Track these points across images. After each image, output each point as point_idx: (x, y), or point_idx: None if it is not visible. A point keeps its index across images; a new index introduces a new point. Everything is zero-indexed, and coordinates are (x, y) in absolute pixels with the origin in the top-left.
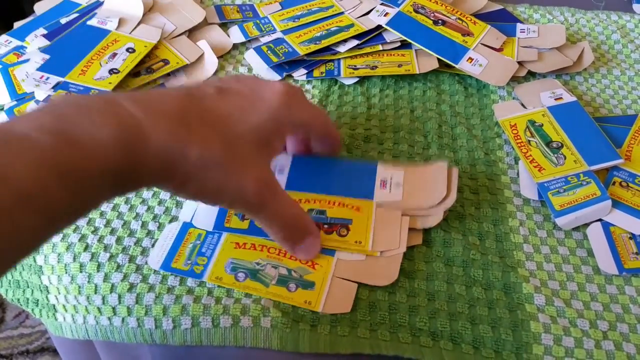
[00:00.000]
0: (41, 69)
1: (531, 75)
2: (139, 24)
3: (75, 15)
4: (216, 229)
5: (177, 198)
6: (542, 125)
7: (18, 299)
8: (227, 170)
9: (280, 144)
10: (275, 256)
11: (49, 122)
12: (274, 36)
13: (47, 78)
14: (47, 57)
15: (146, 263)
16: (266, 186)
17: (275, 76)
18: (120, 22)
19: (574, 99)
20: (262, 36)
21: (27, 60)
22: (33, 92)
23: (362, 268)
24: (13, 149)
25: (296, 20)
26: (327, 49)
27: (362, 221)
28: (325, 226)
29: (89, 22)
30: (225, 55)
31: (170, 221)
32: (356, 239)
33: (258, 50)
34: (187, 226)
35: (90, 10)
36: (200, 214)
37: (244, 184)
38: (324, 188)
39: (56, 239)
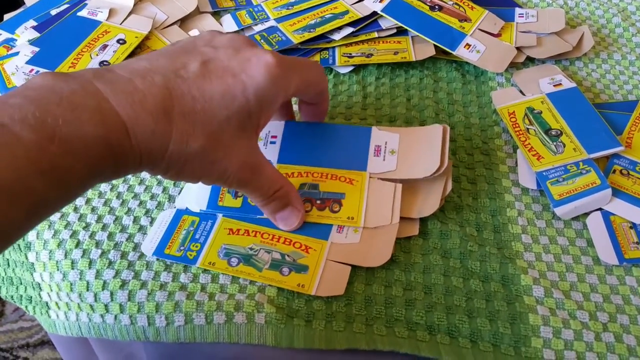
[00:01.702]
0: (30, 62)
1: (530, 61)
2: (129, 14)
3: (66, 6)
4: (210, 208)
5: (170, 192)
6: (541, 112)
7: (12, 296)
8: (209, 159)
9: (269, 117)
10: (269, 241)
11: (31, 115)
12: (267, 24)
13: (37, 72)
14: (36, 49)
15: (139, 258)
16: (250, 169)
17: None
18: (111, 12)
19: (574, 85)
20: (256, 24)
21: (17, 53)
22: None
23: (356, 251)
24: None
25: (290, 7)
26: (322, 37)
27: (354, 195)
28: (318, 202)
29: (79, 13)
30: None
31: None
32: (348, 215)
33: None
34: (180, 213)
35: (81, 1)
36: (192, 194)
37: (227, 169)
38: (317, 159)
39: (47, 235)
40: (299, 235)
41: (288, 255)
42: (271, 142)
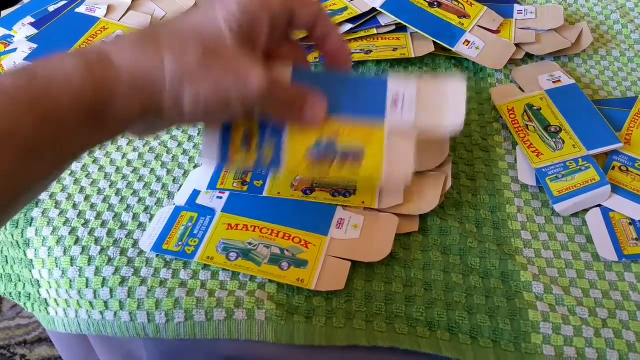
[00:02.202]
0: (28, 58)
1: (529, 57)
2: (128, 10)
3: (64, 2)
4: (210, 188)
5: (169, 188)
6: (540, 109)
7: (10, 293)
8: (218, 66)
9: (264, 34)
10: (268, 236)
11: (17, 70)
12: None
13: None
14: (34, 46)
15: (138, 254)
16: (265, 79)
17: None
18: (109, 9)
19: (573, 81)
20: None
21: (14, 50)
22: None
23: (355, 246)
24: None
25: None
26: None
27: (374, 153)
28: (336, 161)
29: (77, 10)
30: None
31: None
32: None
33: None
34: (179, 210)
35: None
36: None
37: (246, 74)
38: (331, 108)
39: (46, 232)
40: (298, 231)
41: (287, 250)
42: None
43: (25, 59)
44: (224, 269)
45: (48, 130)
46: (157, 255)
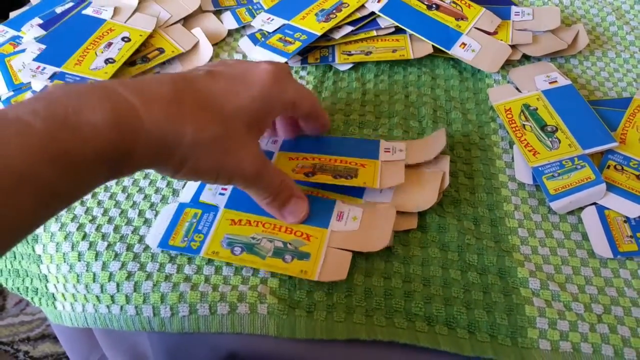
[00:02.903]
0: (37, 59)
1: (526, 58)
2: (134, 12)
3: (71, 4)
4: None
5: (174, 185)
6: (537, 109)
7: (18, 288)
8: (224, 147)
9: (269, 122)
10: (271, 230)
11: (42, 107)
12: (275, 25)
13: (44, 68)
14: (43, 47)
15: (144, 250)
16: (261, 163)
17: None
18: (115, 11)
19: (569, 82)
20: (255, 22)
21: (23, 50)
22: (30, 82)
23: (355, 237)
24: (6, 132)
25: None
26: (323, 35)
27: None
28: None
29: (84, 12)
30: (220, 43)
31: None
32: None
33: (267, 46)
34: (183, 206)
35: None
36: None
37: (242, 161)
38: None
39: (54, 228)
40: (299, 224)
41: (290, 244)
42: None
43: (35, 59)
44: (227, 264)
45: (70, 178)
46: (162, 251)
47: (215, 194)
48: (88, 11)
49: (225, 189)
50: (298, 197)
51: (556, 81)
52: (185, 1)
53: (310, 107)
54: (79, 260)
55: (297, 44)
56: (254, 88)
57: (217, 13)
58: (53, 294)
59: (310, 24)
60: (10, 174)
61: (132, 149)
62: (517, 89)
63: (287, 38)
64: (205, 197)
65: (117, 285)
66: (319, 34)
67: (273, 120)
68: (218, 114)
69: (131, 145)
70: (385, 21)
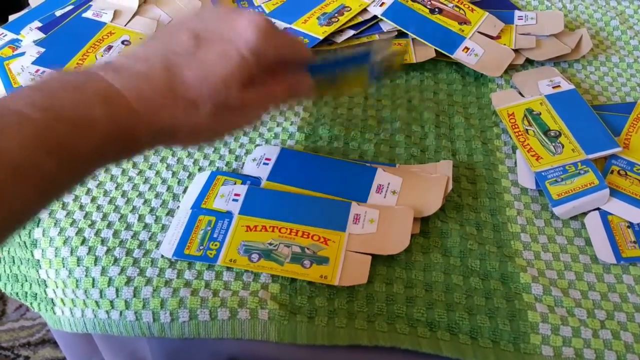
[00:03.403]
0: (36, 62)
1: (529, 63)
2: (134, 16)
3: (70, 7)
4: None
5: (174, 190)
6: (540, 113)
7: (17, 293)
8: (221, 119)
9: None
10: (287, 235)
11: (39, 99)
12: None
13: (43, 72)
14: (42, 50)
15: (143, 255)
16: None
17: None
18: (116, 14)
19: (572, 87)
20: None
21: (22, 54)
22: None
23: (374, 240)
24: (5, 123)
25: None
26: (325, 39)
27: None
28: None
29: (84, 15)
30: None
31: (167, 214)
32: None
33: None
34: (196, 213)
35: (84, 3)
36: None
37: (252, 112)
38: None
39: (53, 232)
40: (316, 228)
41: (308, 248)
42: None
43: (34, 62)
44: (227, 269)
45: (69, 168)
46: (162, 256)
47: (228, 201)
48: (88, 14)
49: (239, 195)
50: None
51: (559, 86)
52: (186, 4)
53: (304, 57)
54: (78, 265)
55: None
56: (244, 44)
57: None
58: (52, 299)
59: (312, 28)
60: (10, 166)
61: (129, 138)
62: (520, 93)
63: None
64: (218, 205)
65: (117, 290)
66: (321, 37)
67: None
68: (211, 88)
69: (128, 135)
70: (387, 25)
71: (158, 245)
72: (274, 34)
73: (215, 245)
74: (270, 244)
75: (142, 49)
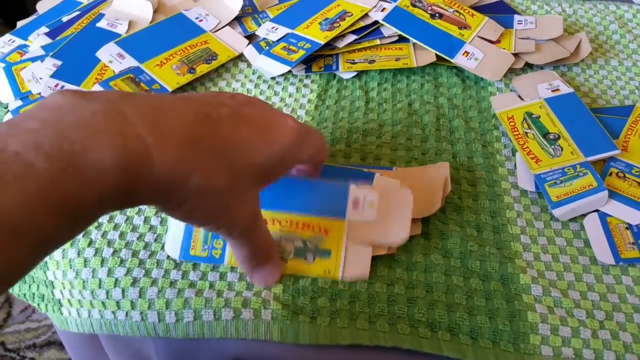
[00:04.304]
0: (55, 76)
1: (528, 66)
2: None
3: (77, 13)
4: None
5: None
6: (539, 117)
7: (24, 294)
8: (225, 201)
9: (279, 177)
10: (288, 228)
11: (48, 142)
12: (279, 34)
13: (62, 87)
14: (58, 63)
15: (149, 256)
16: (254, 219)
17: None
18: (130, 24)
19: (571, 90)
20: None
21: (30, 59)
22: (39, 92)
23: (374, 228)
24: (4, 175)
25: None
26: (327, 44)
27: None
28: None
29: (98, 24)
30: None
31: None
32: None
33: (271, 55)
34: None
35: (91, 8)
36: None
37: (237, 217)
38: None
39: None
40: (314, 217)
41: (309, 242)
42: None
43: (52, 76)
44: (232, 270)
45: (69, 224)
46: (168, 257)
47: None
48: (102, 24)
49: None
50: (275, 263)
51: (559, 89)
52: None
53: (320, 160)
54: (85, 267)
55: (301, 53)
56: (274, 146)
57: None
58: (59, 300)
59: (314, 33)
60: (4, 224)
61: (136, 190)
62: (519, 97)
63: (291, 47)
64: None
65: (123, 291)
66: (323, 42)
67: None
68: (230, 166)
69: (136, 187)
70: (388, 30)
71: (163, 246)
72: (303, 144)
73: (219, 243)
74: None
75: (174, 97)
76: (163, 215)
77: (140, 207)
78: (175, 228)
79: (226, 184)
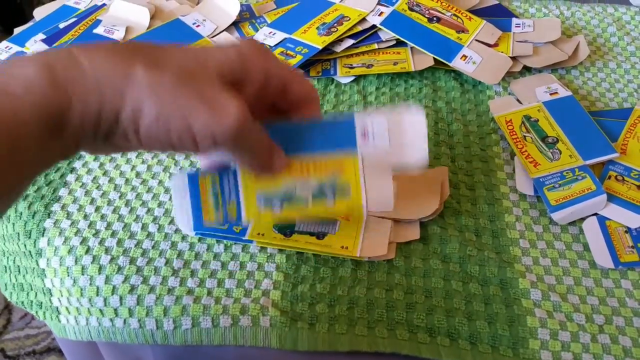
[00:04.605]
0: None
1: (527, 70)
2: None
3: (74, 19)
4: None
5: None
6: (538, 120)
7: (22, 302)
8: (194, 89)
9: (248, 91)
10: (299, 173)
11: None
12: (277, 39)
13: None
14: None
15: (147, 264)
16: (243, 116)
17: None
18: (127, 30)
19: (570, 93)
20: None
21: None
22: None
23: (389, 153)
24: None
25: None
26: (324, 49)
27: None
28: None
29: (95, 30)
30: None
31: (170, 222)
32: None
33: None
34: (193, 177)
35: (88, 15)
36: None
37: (220, 114)
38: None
39: (58, 242)
40: (325, 157)
41: (325, 183)
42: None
43: None
44: (230, 277)
45: (7, 143)
46: (166, 264)
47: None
48: (99, 30)
49: None
50: (278, 155)
51: (557, 92)
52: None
53: (306, 92)
54: (83, 274)
55: (299, 58)
56: (228, 49)
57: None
58: (57, 308)
59: (312, 38)
60: None
61: (70, 95)
62: (518, 100)
63: (289, 52)
64: (216, 158)
65: (120, 298)
66: (320, 47)
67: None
68: (179, 61)
69: (69, 91)
70: (386, 34)
71: (161, 253)
72: (269, 56)
73: (232, 205)
74: (287, 187)
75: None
76: (161, 222)
77: (138, 213)
78: (180, 200)
79: (178, 76)
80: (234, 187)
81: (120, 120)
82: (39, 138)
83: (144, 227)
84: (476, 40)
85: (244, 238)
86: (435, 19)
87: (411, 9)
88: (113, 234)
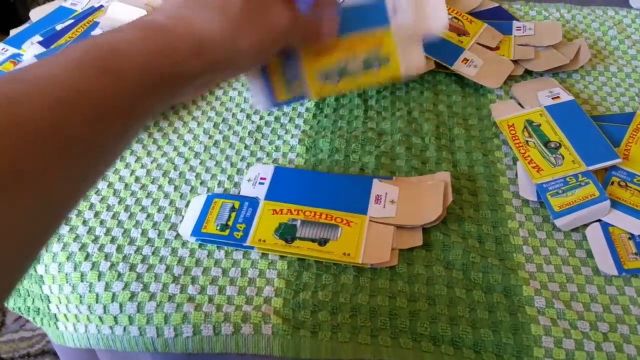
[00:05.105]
0: None
1: (528, 73)
2: None
3: (71, 21)
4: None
5: (177, 204)
6: (540, 125)
7: (19, 308)
8: (258, 20)
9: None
10: (348, 51)
11: (89, 42)
12: None
13: None
14: None
15: (147, 270)
16: (289, 18)
17: None
18: None
19: (571, 97)
20: None
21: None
22: None
23: (413, 23)
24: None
25: None
26: None
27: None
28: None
29: (92, 33)
30: None
31: (170, 228)
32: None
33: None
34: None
35: (85, 17)
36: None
37: (278, 22)
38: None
39: (57, 248)
40: (366, 34)
41: (370, 55)
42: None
43: None
44: (231, 284)
45: (118, 90)
46: (166, 270)
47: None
48: (97, 33)
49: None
50: (324, 18)
51: (559, 96)
52: None
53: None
54: (82, 281)
55: None
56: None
57: None
58: (55, 315)
59: None
60: (73, 89)
61: (173, 49)
62: (519, 104)
63: None
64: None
65: (120, 305)
66: None
67: None
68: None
69: (171, 47)
70: None
71: (161, 260)
72: None
73: (298, 83)
74: (340, 63)
75: None
76: (161, 227)
77: (138, 219)
78: (192, 211)
79: (241, 6)
80: (297, 69)
81: (220, 59)
82: (146, 87)
83: (143, 232)
84: (477, 43)
85: (245, 244)
86: None
87: None
88: (112, 240)
